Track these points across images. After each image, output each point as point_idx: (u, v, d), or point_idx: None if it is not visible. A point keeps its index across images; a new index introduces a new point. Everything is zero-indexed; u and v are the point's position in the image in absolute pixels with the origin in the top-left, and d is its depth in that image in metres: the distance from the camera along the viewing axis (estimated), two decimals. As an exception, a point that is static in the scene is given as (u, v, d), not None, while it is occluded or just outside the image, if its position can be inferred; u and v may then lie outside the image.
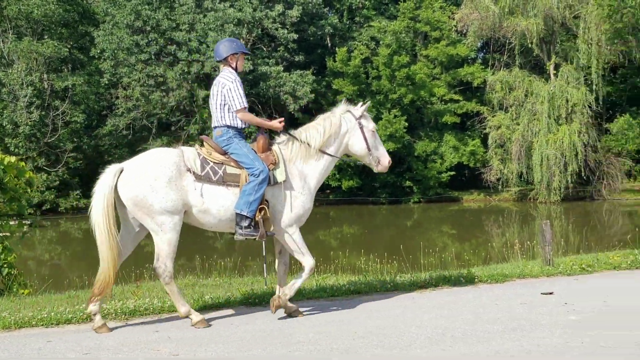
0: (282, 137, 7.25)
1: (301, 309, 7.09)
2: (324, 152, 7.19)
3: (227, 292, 8.57)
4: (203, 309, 7.43)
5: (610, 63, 41.93)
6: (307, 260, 7.02)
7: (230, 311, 7.42)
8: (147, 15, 40.21)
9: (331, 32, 47.51)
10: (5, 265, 10.64)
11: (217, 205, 6.70)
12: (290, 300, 7.09)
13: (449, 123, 45.12)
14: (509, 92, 42.31)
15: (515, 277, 9.08)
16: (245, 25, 41.48)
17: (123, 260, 7.05)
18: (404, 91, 43.08)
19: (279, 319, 6.90)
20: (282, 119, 7.34)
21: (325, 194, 45.38)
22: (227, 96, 6.92)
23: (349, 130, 7.32)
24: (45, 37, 41.39)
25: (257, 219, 6.71)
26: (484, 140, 44.37)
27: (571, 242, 21.18)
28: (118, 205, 6.63)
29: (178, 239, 6.67)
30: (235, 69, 7.13)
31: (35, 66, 39.58)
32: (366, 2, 49.92)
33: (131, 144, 42.55)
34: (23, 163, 12.70)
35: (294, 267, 10.24)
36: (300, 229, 7.12)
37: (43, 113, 39.08)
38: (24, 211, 13.03)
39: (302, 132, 7.30)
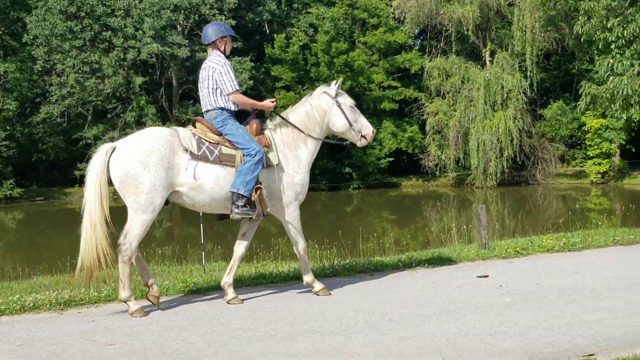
0: (270, 124, 7.44)
1: (240, 297, 7.11)
2: (310, 136, 7.42)
3: (166, 280, 8.50)
4: (140, 297, 7.33)
5: (543, 50, 42.69)
6: (301, 243, 7.38)
7: (168, 299, 7.38)
8: (81, 1, 39.79)
9: (269, 19, 47.58)
10: None
11: (212, 184, 6.82)
12: (235, 287, 7.26)
13: (388, 109, 45.54)
14: (446, 78, 42.75)
15: (452, 261, 9.23)
16: (182, 11, 41.53)
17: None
18: (343, 78, 41.69)
19: (217, 306, 6.87)
20: (274, 98, 7.64)
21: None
22: (218, 80, 7.04)
23: (328, 110, 7.51)
24: (-25, 23, 40.40)
25: (252, 198, 6.88)
26: (422, 127, 44.65)
27: (507, 225, 21.56)
28: None
29: (151, 223, 6.77)
30: (224, 52, 7.25)
31: (-36, 53, 38.80)
32: (306, -11, 50.12)
33: (66, 132, 42.82)
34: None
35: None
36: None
37: (-27, 101, 38.28)
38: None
39: (288, 115, 7.53)
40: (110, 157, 6.57)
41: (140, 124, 41.60)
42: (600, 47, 16.85)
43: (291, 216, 7.35)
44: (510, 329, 5.58)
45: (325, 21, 44.76)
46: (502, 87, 40.82)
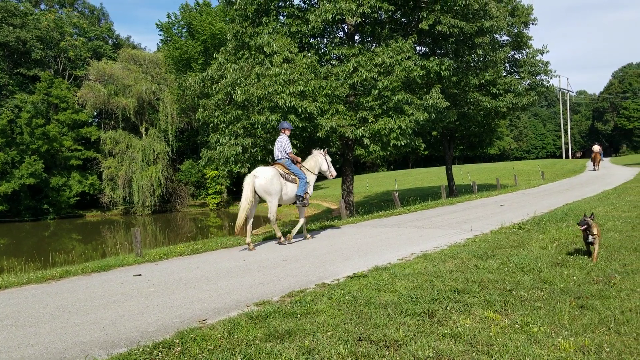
0: (301, 165, 10.61)
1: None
2: (312, 172, 10.68)
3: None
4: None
5: (179, 128, 48.85)
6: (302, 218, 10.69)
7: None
8: None
9: (-19, 101, 46.16)
10: None
11: (290, 192, 10.04)
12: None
13: (75, 165, 48.06)
14: (116, 144, 46.88)
15: (117, 266, 8.91)
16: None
17: (253, 216, 10.16)
18: (41, 143, 45.01)
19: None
20: (300, 158, 10.75)
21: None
22: (284, 146, 10.30)
23: (321, 161, 10.76)
24: None
25: (305, 196, 10.23)
26: (100, 176, 48.00)
27: (159, 239, 22.71)
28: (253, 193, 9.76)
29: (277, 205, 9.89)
30: (286, 134, 10.55)
31: None
32: (11, 81, 49.43)
33: None
34: None
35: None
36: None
37: None
38: None
39: (307, 162, 10.71)
40: (255, 179, 9.63)
41: None
42: (212, 127, 18.57)
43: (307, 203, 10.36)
44: (153, 309, 5.60)
45: (27, 104, 46.29)
46: (154, 151, 46.34)
